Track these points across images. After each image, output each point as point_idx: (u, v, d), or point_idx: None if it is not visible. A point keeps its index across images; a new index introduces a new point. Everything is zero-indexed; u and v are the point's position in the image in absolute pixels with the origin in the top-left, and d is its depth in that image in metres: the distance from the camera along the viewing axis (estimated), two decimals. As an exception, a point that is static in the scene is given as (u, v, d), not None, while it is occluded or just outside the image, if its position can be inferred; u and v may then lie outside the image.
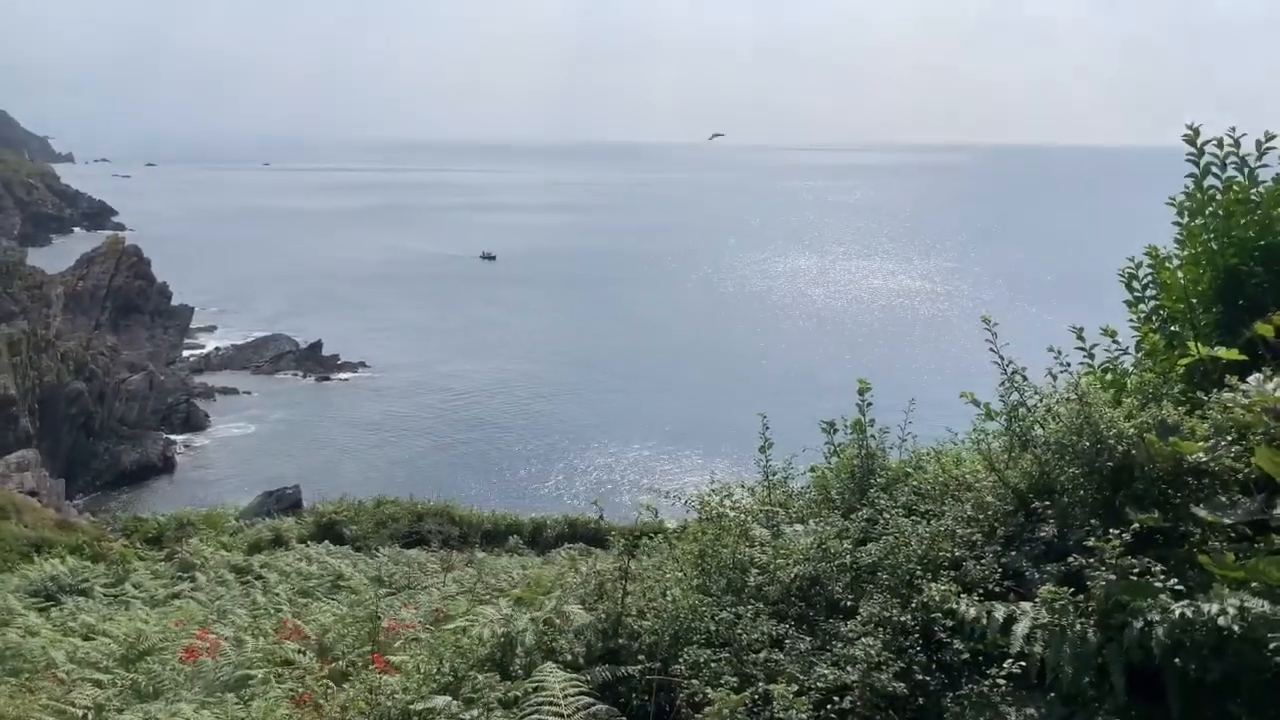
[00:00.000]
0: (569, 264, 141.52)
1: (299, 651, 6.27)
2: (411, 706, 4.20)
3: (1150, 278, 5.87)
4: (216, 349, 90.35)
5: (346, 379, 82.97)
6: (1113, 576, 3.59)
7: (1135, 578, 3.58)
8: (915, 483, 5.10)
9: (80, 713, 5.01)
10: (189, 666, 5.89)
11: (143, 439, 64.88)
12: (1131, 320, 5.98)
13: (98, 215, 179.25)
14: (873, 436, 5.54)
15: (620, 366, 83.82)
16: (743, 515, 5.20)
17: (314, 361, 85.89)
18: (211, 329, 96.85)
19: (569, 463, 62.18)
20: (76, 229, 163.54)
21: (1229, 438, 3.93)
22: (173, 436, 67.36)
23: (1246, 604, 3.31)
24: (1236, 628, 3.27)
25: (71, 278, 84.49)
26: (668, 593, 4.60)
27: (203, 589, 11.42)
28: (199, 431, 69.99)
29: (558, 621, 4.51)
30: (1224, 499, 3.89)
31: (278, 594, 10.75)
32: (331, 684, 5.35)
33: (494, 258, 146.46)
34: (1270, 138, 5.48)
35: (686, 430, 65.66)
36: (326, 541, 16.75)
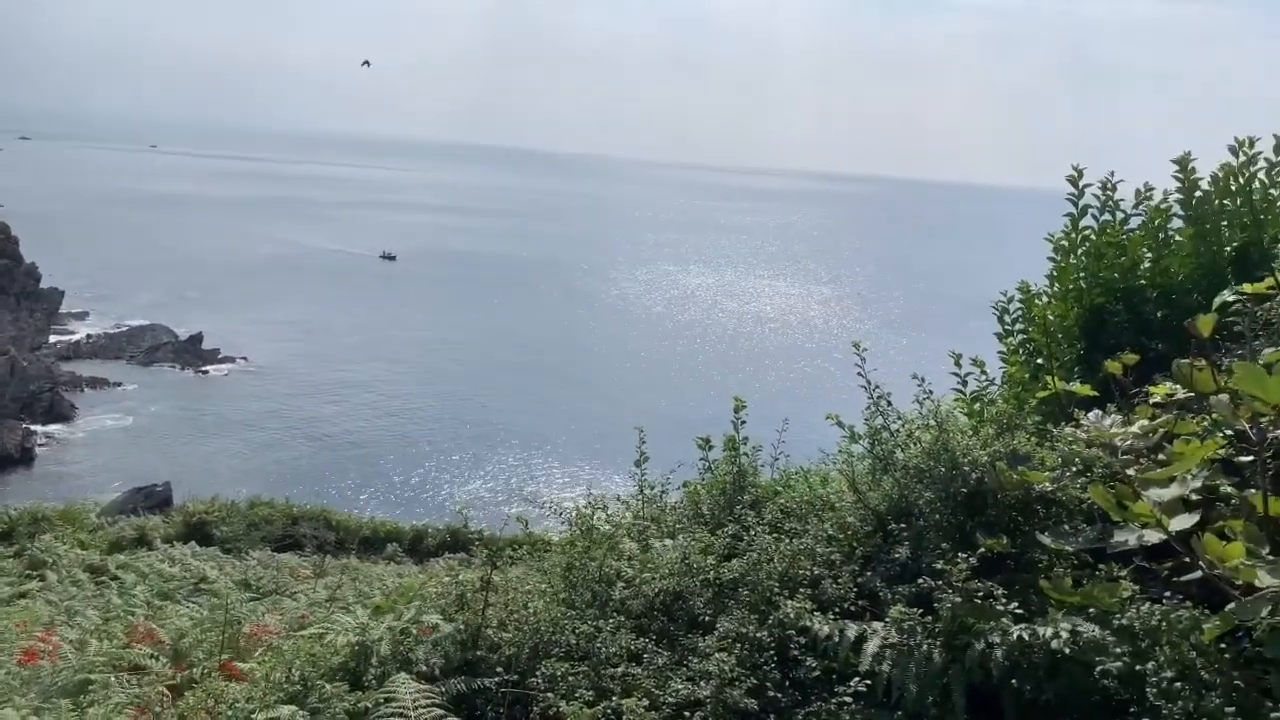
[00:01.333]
0: (470, 267, 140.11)
1: (152, 657, 5.97)
2: (254, 716, 4.04)
3: (1020, 312, 6.15)
4: (88, 336, 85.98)
5: (227, 374, 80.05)
6: (959, 599, 3.71)
7: (979, 601, 3.71)
8: (783, 501, 5.20)
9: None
10: (26, 670, 5.54)
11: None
12: (1001, 352, 6.25)
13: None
14: (745, 454, 5.62)
15: (512, 375, 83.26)
16: (613, 528, 5.20)
17: (193, 354, 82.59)
18: (83, 315, 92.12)
19: (455, 471, 61.38)
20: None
21: (1073, 469, 4.11)
22: (33, 426, 63.75)
23: (1079, 628, 3.47)
24: (1068, 650, 3.42)
25: (-72, 253, 79.28)
26: (530, 604, 4.56)
27: (52, 589, 10.80)
28: (64, 422, 66.45)
29: (415, 631, 4.41)
30: (1068, 527, 4.07)
31: (134, 595, 10.25)
32: (166, 692, 5.11)
33: (394, 258, 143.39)
34: (1149, 189, 5.83)
35: (574, 442, 65.64)
36: (193, 542, 16.09)
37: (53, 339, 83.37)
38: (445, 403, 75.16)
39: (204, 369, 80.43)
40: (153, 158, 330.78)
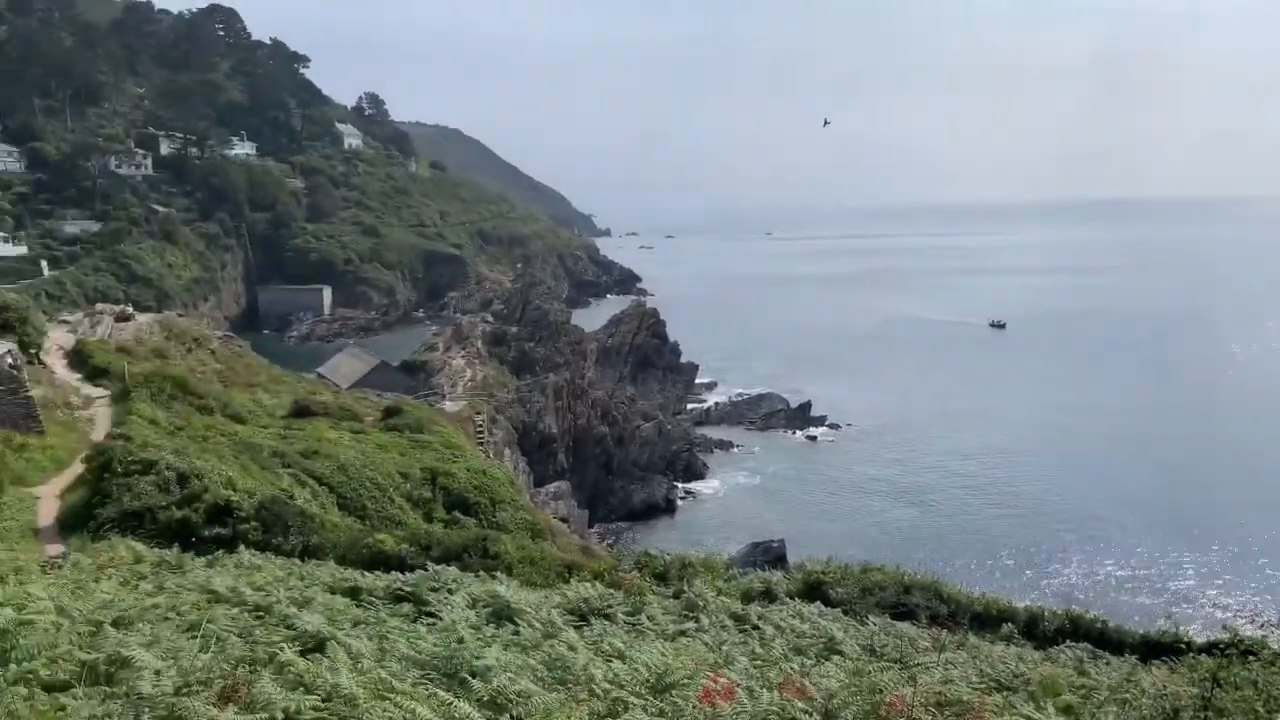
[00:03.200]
0: (1081, 330, 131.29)
1: (805, 712, 6.30)
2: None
3: None
4: (716, 404, 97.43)
5: (834, 440, 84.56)
6: None
7: None
8: None
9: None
10: (707, 707, 6.20)
11: (650, 481, 71.76)
12: None
13: (626, 282, 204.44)
14: None
15: (1138, 449, 75.16)
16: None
17: (803, 420, 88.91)
18: (713, 385, 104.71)
19: (1071, 551, 56.77)
20: (609, 295, 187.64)
21: None
22: (675, 482, 73.67)
23: None
24: None
25: (603, 335, 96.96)
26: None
27: (706, 631, 12.09)
28: (698, 479, 75.69)
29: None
30: None
31: (773, 647, 11.03)
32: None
33: (1004, 325, 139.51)
34: None
35: (1211, 533, 56.82)
36: (818, 602, 16.90)
37: (689, 406, 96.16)
38: (1057, 474, 70.51)
39: (812, 434, 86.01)
40: (768, 244, 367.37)
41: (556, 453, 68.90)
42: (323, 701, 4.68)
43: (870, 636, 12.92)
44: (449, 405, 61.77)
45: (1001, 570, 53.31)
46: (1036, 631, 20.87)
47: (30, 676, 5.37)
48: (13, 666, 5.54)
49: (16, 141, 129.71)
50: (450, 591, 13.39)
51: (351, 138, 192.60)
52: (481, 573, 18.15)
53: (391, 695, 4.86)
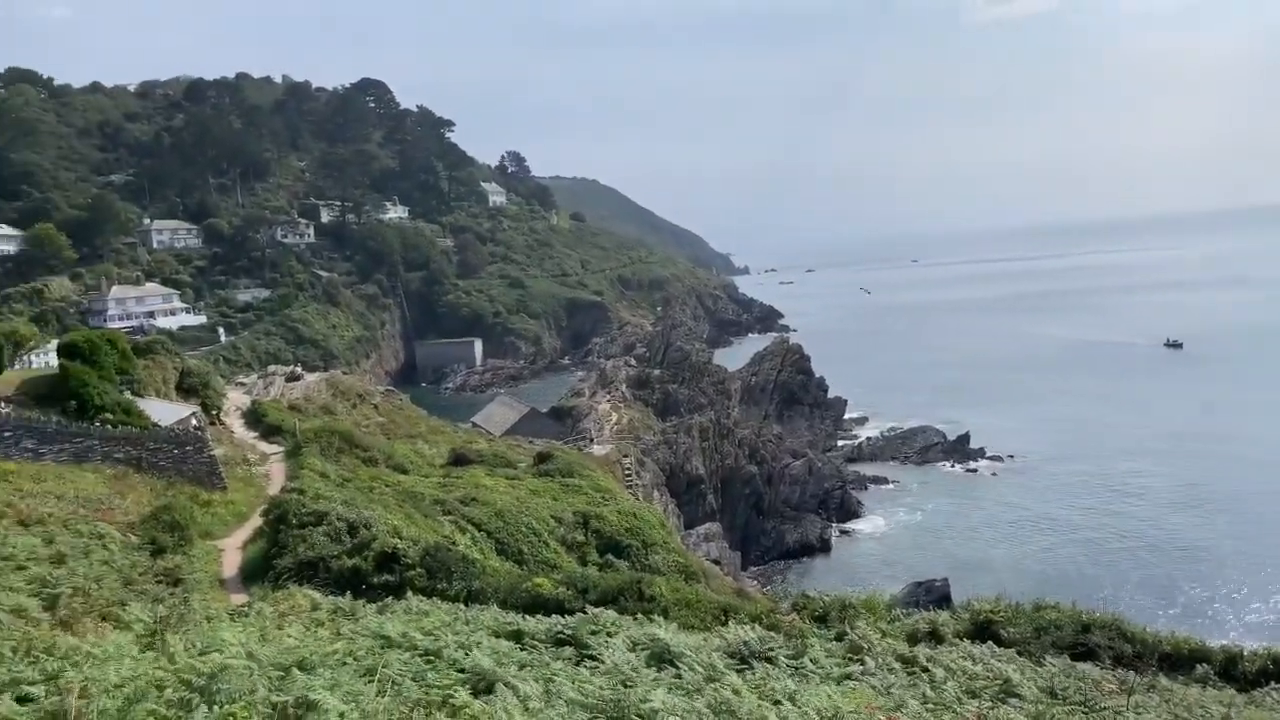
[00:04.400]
0: (1266, 347, 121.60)
1: (988, 759, 5.99)
2: None
3: None
4: (868, 439, 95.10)
5: (995, 474, 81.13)
6: None
7: None
8: None
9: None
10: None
11: (803, 520, 70.49)
12: None
13: (767, 318, 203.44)
14: None
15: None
16: None
17: (962, 453, 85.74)
18: (863, 420, 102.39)
19: (1271, 588, 52.31)
20: (751, 333, 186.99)
21: None
22: (829, 520, 72.09)
23: None
24: None
25: (746, 374, 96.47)
26: None
27: (873, 674, 11.70)
28: (853, 518, 73.85)
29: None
30: None
31: (945, 690, 10.57)
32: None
33: (1180, 345, 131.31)
34: None
35: None
36: (989, 642, 16.13)
37: (839, 442, 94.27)
38: (1247, 506, 65.26)
39: (973, 467, 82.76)
40: (914, 271, 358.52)
41: (705, 494, 68.67)
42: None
43: (1050, 678, 12.22)
44: (597, 449, 62.64)
45: (1189, 608, 49.63)
46: (1235, 673, 19.24)
47: (231, 718, 5.70)
48: (216, 709, 5.91)
49: (194, 219, 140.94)
50: (610, 635, 13.46)
51: (495, 195, 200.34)
52: (639, 615, 18.19)
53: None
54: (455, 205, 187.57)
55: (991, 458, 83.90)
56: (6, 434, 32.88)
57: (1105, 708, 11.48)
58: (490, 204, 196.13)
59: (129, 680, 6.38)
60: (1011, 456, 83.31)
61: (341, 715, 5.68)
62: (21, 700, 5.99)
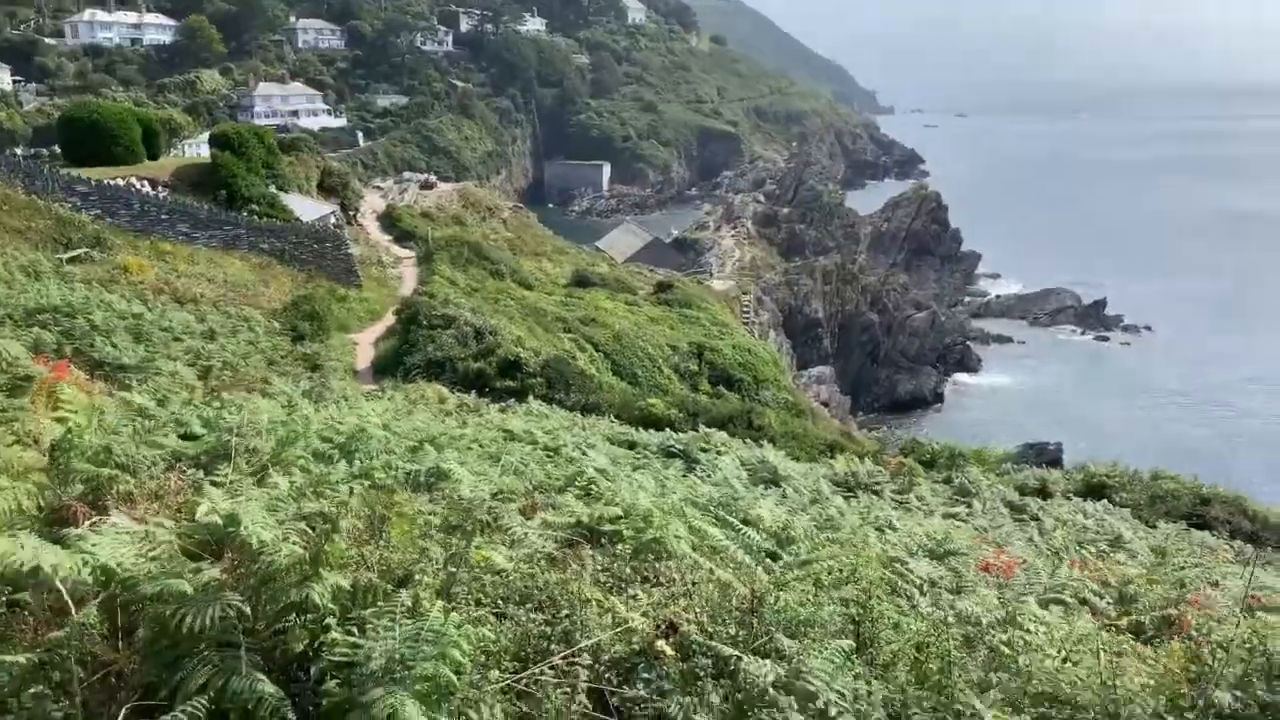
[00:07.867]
0: None
1: (1095, 594, 6.01)
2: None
3: None
4: (997, 296, 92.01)
5: (1128, 343, 77.84)
6: None
7: None
8: None
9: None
10: (985, 576, 6.07)
11: (918, 372, 69.64)
12: None
13: (907, 163, 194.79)
14: None
15: None
16: None
17: (1095, 320, 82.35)
18: (995, 276, 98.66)
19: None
20: (888, 177, 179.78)
21: None
22: (945, 374, 71.02)
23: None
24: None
25: (878, 219, 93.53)
26: None
27: (979, 515, 11.77)
28: (970, 373, 72.51)
29: None
30: None
31: (1054, 538, 10.57)
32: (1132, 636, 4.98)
33: None
34: None
35: None
36: (1104, 500, 15.95)
37: (967, 298, 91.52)
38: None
39: (1104, 335, 79.57)
40: (1077, 125, 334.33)
41: (821, 337, 68.22)
42: (623, 515, 5.01)
43: (1164, 539, 12.05)
44: (717, 284, 62.55)
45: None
46: (1360, 562, 18.65)
47: (370, 474, 6.14)
48: (357, 463, 6.38)
49: (338, 20, 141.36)
50: (719, 453, 13.82)
51: (635, 11, 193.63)
52: (748, 440, 18.56)
53: (684, 516, 5.12)
54: (594, 20, 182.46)
55: (1126, 328, 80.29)
56: (164, 216, 34.84)
57: (1224, 572, 11.30)
58: (629, 20, 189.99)
59: (279, 426, 6.91)
60: (1149, 328, 79.52)
61: (472, 485, 6.04)
62: (184, 437, 6.58)
